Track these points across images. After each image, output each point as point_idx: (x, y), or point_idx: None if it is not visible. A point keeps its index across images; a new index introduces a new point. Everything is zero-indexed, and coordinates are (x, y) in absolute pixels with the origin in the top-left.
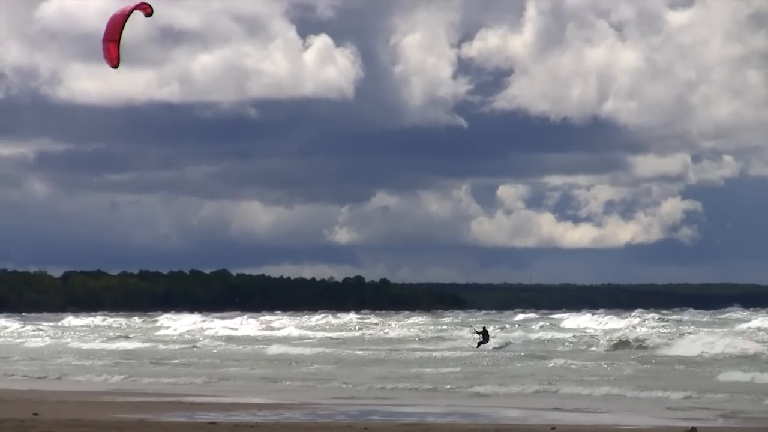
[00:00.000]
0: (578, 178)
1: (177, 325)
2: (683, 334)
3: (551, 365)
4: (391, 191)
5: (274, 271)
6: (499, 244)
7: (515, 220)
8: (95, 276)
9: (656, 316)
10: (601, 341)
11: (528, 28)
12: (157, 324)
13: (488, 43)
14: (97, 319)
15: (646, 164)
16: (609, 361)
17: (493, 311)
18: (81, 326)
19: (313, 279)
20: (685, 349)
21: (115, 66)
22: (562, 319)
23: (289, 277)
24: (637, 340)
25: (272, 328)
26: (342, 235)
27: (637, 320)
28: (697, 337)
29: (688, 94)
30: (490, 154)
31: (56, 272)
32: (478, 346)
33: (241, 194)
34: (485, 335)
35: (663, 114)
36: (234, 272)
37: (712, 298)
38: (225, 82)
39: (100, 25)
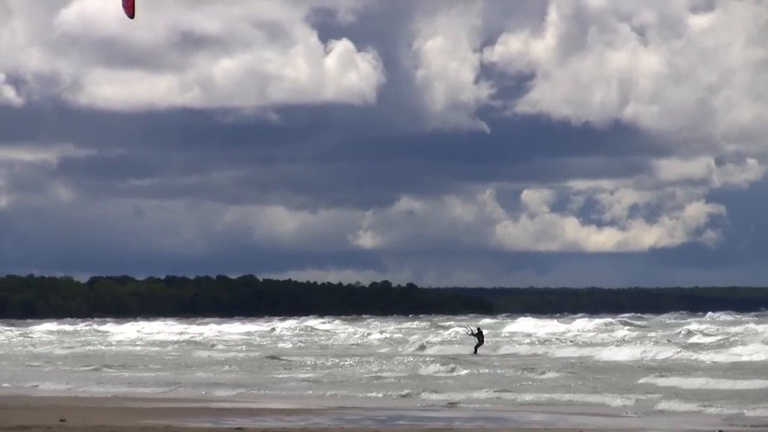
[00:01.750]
0: (602, 182)
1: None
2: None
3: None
4: (416, 196)
5: (299, 276)
6: (523, 248)
7: (539, 224)
8: (121, 281)
9: (626, 318)
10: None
11: (550, 32)
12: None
13: (510, 47)
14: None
15: (669, 168)
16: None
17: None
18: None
19: (340, 284)
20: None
21: (131, 16)
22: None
23: (315, 282)
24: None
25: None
26: (366, 240)
27: (582, 324)
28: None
29: (711, 98)
30: (513, 158)
31: (82, 278)
32: (475, 350)
33: (265, 199)
34: (480, 336)
35: (686, 118)
36: (260, 277)
37: (738, 302)
38: (246, 88)
39: (121, 31)
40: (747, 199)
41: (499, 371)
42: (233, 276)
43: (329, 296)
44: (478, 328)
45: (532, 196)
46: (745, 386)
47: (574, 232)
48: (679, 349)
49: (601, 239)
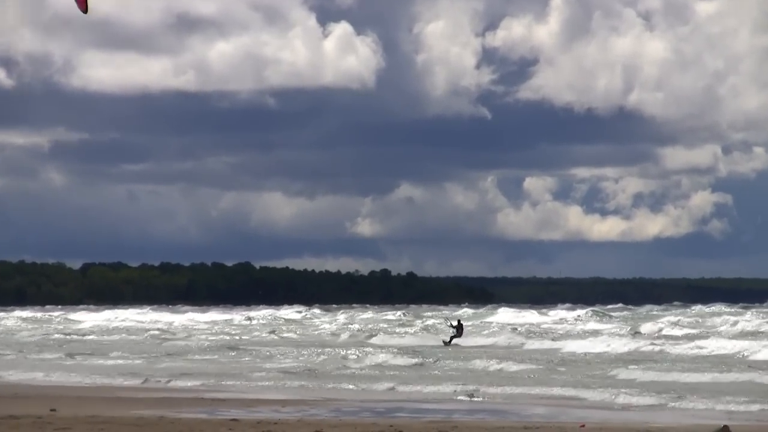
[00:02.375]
0: (606, 170)
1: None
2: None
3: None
4: (416, 182)
5: (296, 263)
6: (526, 237)
7: (542, 213)
8: (115, 268)
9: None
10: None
11: (553, 17)
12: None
13: (512, 32)
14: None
15: (675, 156)
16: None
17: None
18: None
19: (339, 272)
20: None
21: (84, 11)
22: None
23: (313, 270)
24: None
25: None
26: (365, 227)
27: (562, 315)
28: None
29: (717, 85)
30: (515, 145)
31: (75, 264)
32: (450, 341)
33: (262, 185)
34: (459, 329)
35: (691, 105)
36: (257, 265)
37: (744, 293)
38: (243, 71)
39: (114, 12)
40: (754, 189)
41: (455, 363)
42: (229, 263)
43: (327, 285)
44: (459, 321)
45: (535, 183)
46: (712, 379)
47: (577, 221)
48: (646, 342)
49: (605, 228)
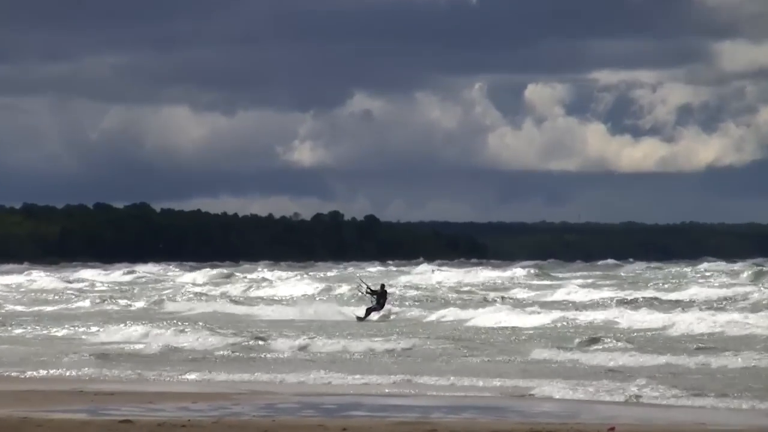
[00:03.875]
0: (640, 73)
1: None
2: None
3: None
4: (374, 92)
5: (211, 205)
6: (529, 168)
7: (551, 133)
8: None
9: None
10: None
11: None
12: None
13: None
14: None
15: (735, 54)
16: None
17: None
18: None
19: (270, 216)
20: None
21: None
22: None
23: (235, 214)
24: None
25: None
26: (305, 154)
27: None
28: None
29: None
30: (512, 40)
31: None
32: (366, 315)
33: (161, 96)
34: (381, 298)
35: None
36: (157, 207)
37: None
38: None
39: None
40: None
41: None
42: (118, 205)
43: (253, 234)
44: (382, 285)
45: (540, 93)
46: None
47: (600, 145)
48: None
49: (639, 155)
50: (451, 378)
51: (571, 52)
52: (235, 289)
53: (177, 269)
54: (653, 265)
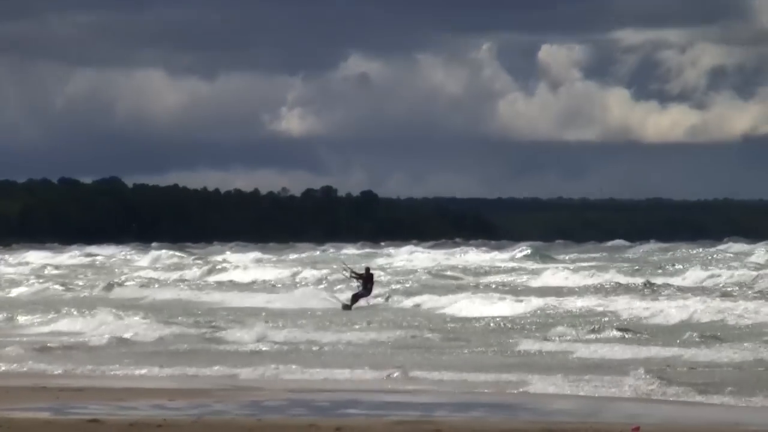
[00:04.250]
0: (667, 32)
1: None
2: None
3: None
4: (371, 53)
5: (189, 179)
6: (544, 138)
7: (568, 100)
8: None
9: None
10: None
11: None
12: None
13: None
14: None
15: None
16: None
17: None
18: None
19: (256, 192)
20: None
21: None
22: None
23: (217, 190)
24: None
25: None
26: (293, 123)
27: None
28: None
29: None
30: None
31: None
32: (352, 303)
33: (134, 58)
34: (368, 282)
35: None
36: (129, 182)
37: None
38: None
39: None
40: None
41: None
42: (86, 180)
43: (238, 212)
44: (367, 269)
45: (555, 54)
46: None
47: (623, 112)
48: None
49: (666, 123)
50: (444, 372)
51: (590, 9)
52: (192, 273)
53: (134, 252)
54: (667, 246)
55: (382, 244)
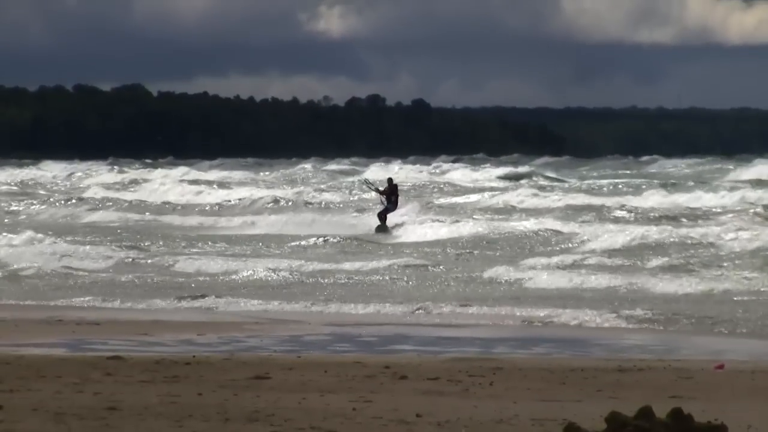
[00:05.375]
0: None
1: None
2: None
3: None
4: None
5: (219, 87)
6: (613, 39)
7: None
8: None
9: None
10: None
11: None
12: None
13: None
14: None
15: None
16: None
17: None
18: None
19: (294, 101)
20: None
21: None
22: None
23: (251, 98)
24: None
25: None
26: (333, 23)
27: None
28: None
29: None
30: None
31: None
32: (383, 223)
33: None
34: (392, 195)
35: None
36: (153, 90)
37: None
38: None
39: None
40: None
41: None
42: (104, 87)
43: (272, 122)
44: (389, 180)
45: None
46: None
47: (702, 11)
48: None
49: (751, 22)
50: (456, 305)
51: None
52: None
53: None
54: (705, 160)
55: (440, 158)
